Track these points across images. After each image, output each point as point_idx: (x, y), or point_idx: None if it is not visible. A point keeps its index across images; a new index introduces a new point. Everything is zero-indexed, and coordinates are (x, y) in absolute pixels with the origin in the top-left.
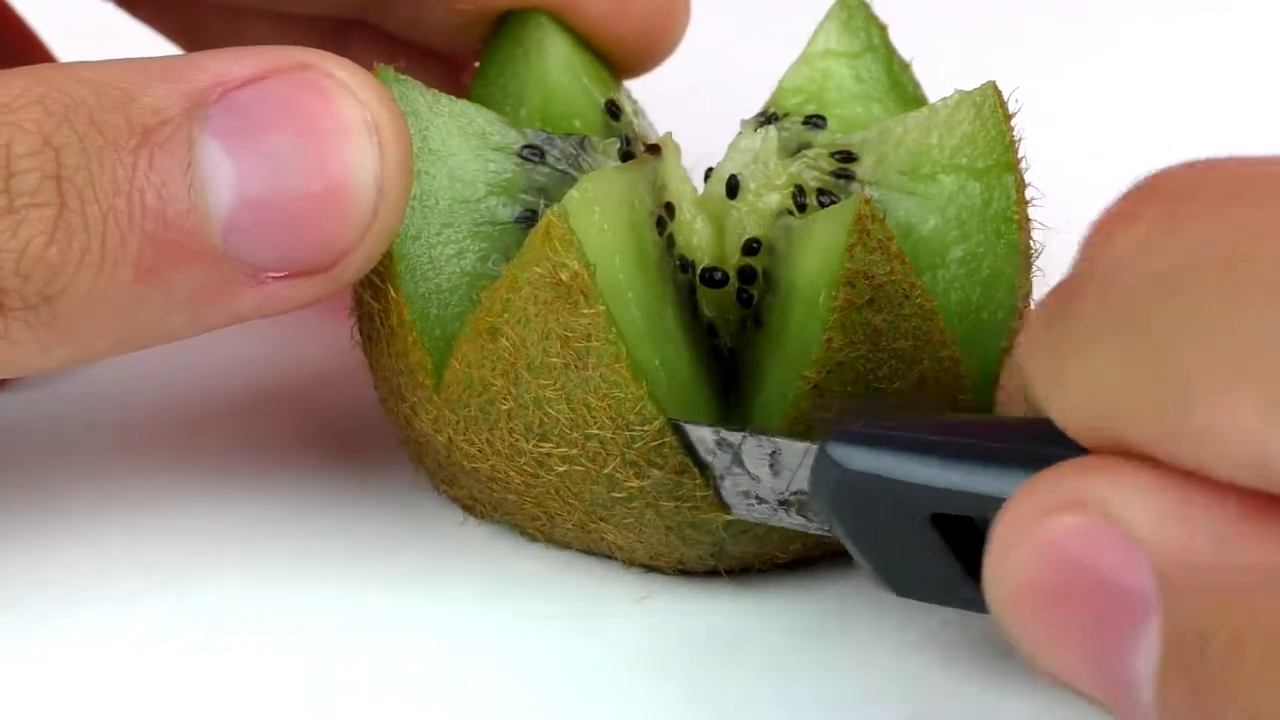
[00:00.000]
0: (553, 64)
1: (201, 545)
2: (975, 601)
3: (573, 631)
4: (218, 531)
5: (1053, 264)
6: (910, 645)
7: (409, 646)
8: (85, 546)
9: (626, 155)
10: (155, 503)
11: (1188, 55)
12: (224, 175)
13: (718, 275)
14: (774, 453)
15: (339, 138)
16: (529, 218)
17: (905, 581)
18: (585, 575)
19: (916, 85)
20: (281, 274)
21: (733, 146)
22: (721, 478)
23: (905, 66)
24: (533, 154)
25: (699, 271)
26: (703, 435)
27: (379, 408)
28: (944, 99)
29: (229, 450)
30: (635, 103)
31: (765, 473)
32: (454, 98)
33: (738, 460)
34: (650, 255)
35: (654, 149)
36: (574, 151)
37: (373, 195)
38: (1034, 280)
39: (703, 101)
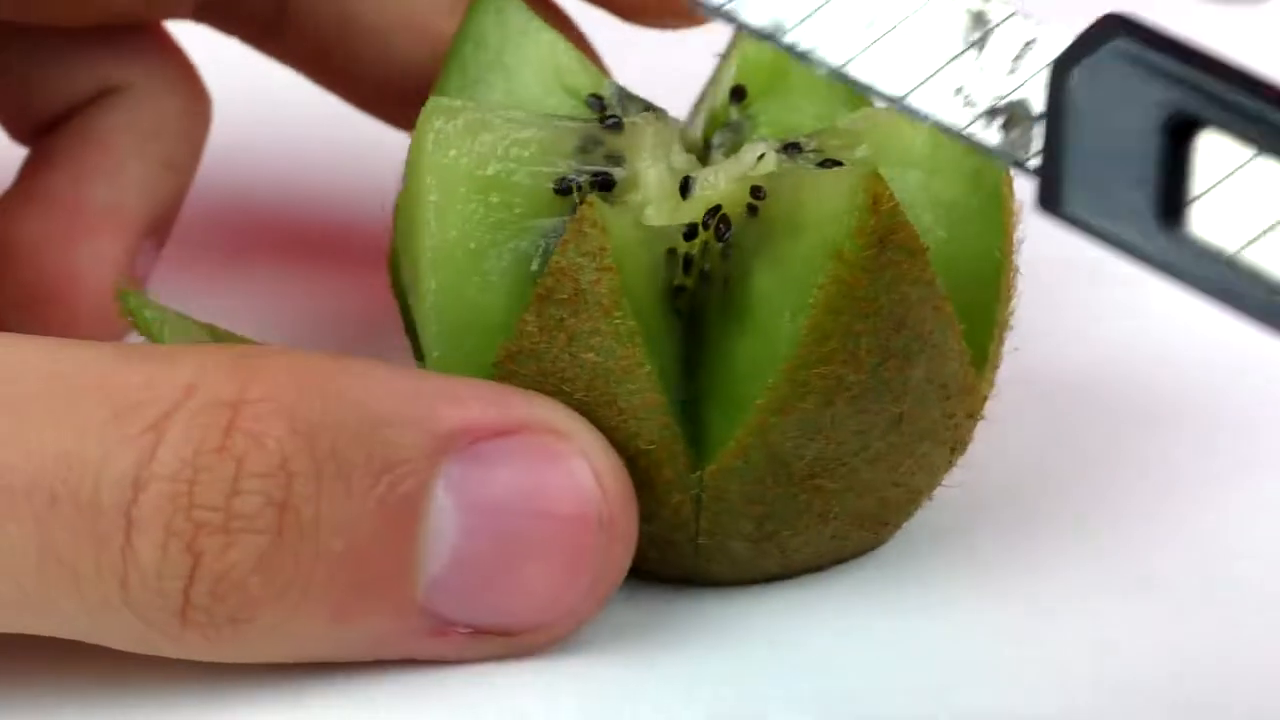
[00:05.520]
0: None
1: None
2: (1138, 233)
3: (578, 634)
4: None
5: (1035, 250)
6: (916, 655)
7: None
8: None
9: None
10: None
11: None
12: (447, 532)
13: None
14: (1029, 42)
15: (572, 527)
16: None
17: (1080, 199)
18: None
19: None
20: (469, 630)
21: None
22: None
23: None
24: (595, 103)
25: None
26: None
27: None
28: None
29: None
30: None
31: (1002, 68)
32: (548, 27)
33: (981, 45)
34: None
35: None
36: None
37: (585, 588)
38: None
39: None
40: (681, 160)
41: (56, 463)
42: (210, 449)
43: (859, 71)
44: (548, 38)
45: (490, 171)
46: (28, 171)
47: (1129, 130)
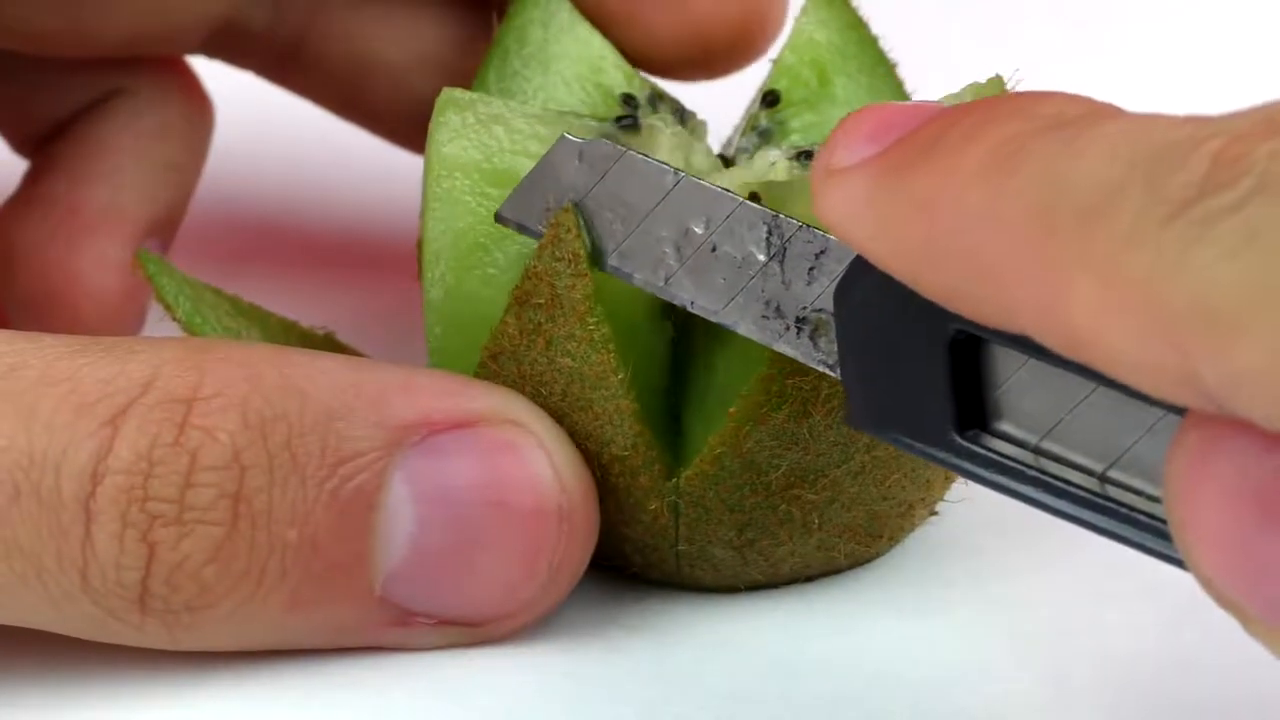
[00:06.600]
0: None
1: None
2: (942, 447)
3: (572, 634)
4: None
5: None
6: (906, 658)
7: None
8: None
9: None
10: None
11: (1185, 45)
12: (403, 523)
13: None
14: (821, 253)
15: (530, 518)
16: None
17: (882, 415)
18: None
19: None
20: (431, 621)
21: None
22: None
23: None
24: (629, 104)
25: None
26: (756, 220)
27: None
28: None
29: None
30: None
31: (801, 278)
32: (591, 26)
33: (781, 257)
34: None
35: None
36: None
37: (544, 577)
38: None
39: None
40: (704, 163)
41: (19, 457)
42: (165, 443)
43: (679, 289)
44: (589, 35)
45: (499, 165)
46: (29, 179)
47: (916, 347)
